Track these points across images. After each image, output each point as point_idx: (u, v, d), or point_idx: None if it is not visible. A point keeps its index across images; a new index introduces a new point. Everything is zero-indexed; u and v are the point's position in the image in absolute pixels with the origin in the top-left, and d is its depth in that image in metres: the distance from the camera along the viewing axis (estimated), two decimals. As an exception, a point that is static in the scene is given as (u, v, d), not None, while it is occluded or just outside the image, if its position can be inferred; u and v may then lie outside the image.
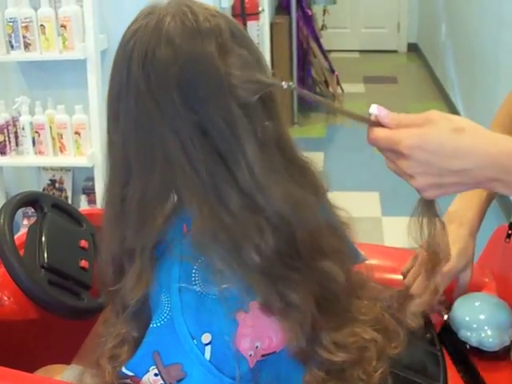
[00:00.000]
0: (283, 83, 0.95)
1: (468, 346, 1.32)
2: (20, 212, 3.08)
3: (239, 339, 0.92)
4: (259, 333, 0.95)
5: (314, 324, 0.97)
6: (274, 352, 0.97)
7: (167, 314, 0.92)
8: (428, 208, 1.01)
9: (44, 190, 3.29)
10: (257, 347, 0.94)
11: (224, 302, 0.91)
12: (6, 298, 1.41)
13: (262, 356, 0.96)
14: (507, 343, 1.31)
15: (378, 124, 0.94)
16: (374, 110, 0.95)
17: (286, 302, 0.94)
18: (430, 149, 0.88)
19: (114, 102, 0.97)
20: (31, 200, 1.45)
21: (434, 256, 1.11)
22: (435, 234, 1.03)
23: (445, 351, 1.34)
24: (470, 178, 0.90)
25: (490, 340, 1.30)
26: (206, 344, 0.91)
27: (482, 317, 1.34)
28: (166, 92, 0.91)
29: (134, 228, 0.96)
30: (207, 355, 0.91)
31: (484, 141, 0.90)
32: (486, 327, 1.31)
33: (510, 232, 1.42)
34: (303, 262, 0.97)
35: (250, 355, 0.94)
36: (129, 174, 0.96)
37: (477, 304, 1.37)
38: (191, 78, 0.91)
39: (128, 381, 0.97)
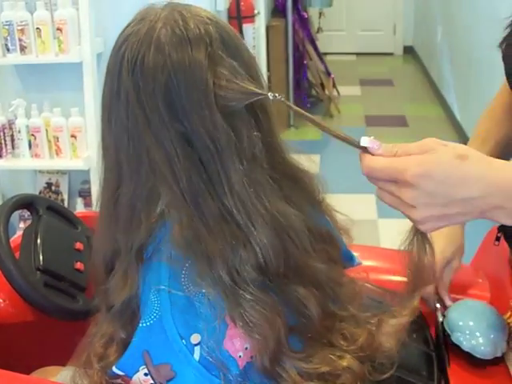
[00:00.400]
0: (270, 94, 0.94)
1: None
2: (16, 215, 3.09)
3: (228, 340, 0.93)
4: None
5: (278, 349, 0.95)
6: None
7: (156, 314, 0.92)
8: (421, 238, 0.96)
9: (40, 192, 3.29)
10: (246, 348, 0.95)
11: (213, 303, 0.92)
12: (1, 300, 1.41)
13: (251, 357, 0.96)
14: (499, 355, 1.32)
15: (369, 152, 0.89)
16: (366, 142, 0.90)
17: (248, 321, 0.93)
18: (438, 178, 0.83)
19: (106, 107, 0.98)
20: (26, 203, 1.46)
21: (417, 279, 1.05)
22: (423, 259, 0.98)
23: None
24: (474, 206, 0.85)
25: (482, 348, 1.31)
26: (195, 344, 0.91)
27: (472, 324, 1.34)
28: (153, 100, 0.91)
29: (122, 229, 0.97)
30: (196, 356, 0.91)
31: (489, 167, 0.86)
32: (478, 335, 1.32)
33: (498, 235, 1.43)
34: (278, 284, 0.96)
35: (240, 356, 0.94)
36: (120, 178, 0.97)
37: (471, 311, 1.38)
38: (178, 87, 0.91)
39: (119, 381, 0.98)
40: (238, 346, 0.94)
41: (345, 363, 1.01)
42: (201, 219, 0.92)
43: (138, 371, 0.94)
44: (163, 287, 0.93)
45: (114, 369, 0.96)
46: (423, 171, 0.83)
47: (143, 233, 0.95)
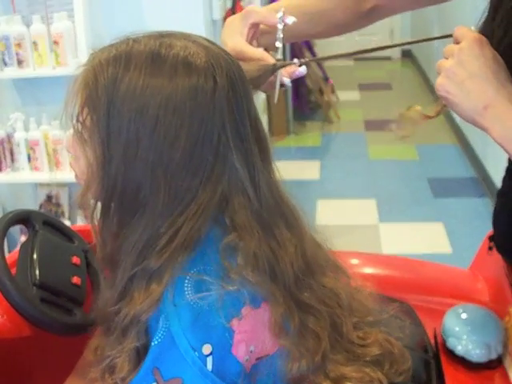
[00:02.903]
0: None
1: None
2: (17, 228, 3.09)
3: (235, 346, 0.93)
4: (253, 337, 0.95)
5: (325, 354, 0.99)
6: (268, 355, 0.98)
7: (166, 329, 0.91)
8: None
9: (41, 205, 3.29)
10: (251, 351, 0.95)
11: (218, 311, 0.91)
12: (-1, 316, 1.41)
13: (257, 359, 0.96)
14: (494, 357, 1.32)
15: None
16: None
17: (303, 325, 0.96)
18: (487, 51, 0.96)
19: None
20: (22, 218, 1.45)
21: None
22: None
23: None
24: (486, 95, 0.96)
25: (477, 351, 1.31)
26: (208, 355, 0.91)
27: (470, 329, 1.34)
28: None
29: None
30: (209, 366, 0.91)
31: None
32: (474, 339, 1.32)
33: (490, 245, 1.43)
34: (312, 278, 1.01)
35: (247, 360, 0.95)
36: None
37: (469, 316, 1.38)
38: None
39: None
40: (244, 350, 0.94)
41: (375, 375, 1.04)
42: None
43: None
44: (169, 302, 0.92)
45: None
46: (478, 38, 0.97)
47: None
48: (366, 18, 1.39)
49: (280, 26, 1.10)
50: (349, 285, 1.12)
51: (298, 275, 0.99)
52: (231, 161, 0.94)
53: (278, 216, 0.99)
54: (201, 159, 0.92)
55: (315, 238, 1.08)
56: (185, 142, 0.91)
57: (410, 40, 1.21)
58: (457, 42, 0.98)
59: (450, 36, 1.01)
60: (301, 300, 0.99)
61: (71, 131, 0.98)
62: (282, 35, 1.10)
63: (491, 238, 1.42)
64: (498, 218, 1.34)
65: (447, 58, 0.98)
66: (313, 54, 5.79)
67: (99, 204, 0.99)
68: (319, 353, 0.98)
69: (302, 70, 1.08)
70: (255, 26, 1.17)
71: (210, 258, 0.94)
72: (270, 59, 1.08)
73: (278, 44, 1.08)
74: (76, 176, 1.04)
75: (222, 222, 0.96)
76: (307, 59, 1.10)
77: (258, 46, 1.19)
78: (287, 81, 1.07)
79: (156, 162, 0.91)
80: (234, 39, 1.13)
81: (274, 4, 1.27)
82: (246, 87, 0.98)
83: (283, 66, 1.07)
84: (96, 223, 1.00)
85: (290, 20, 1.11)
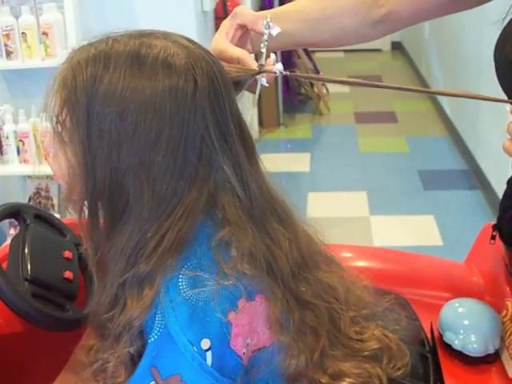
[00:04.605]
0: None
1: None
2: (6, 222, 3.07)
3: (234, 340, 0.92)
4: (249, 330, 0.95)
5: (323, 351, 0.99)
6: (264, 347, 0.98)
7: (162, 326, 0.90)
8: None
9: (30, 198, 3.27)
10: (248, 344, 0.95)
11: (214, 306, 0.91)
12: (-10, 311, 1.40)
13: (253, 352, 0.96)
14: (491, 351, 1.31)
15: None
16: None
17: (301, 321, 0.97)
18: None
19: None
20: (13, 212, 1.44)
21: None
22: None
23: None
24: None
25: (475, 346, 1.30)
26: (207, 350, 0.90)
27: (467, 323, 1.34)
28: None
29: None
30: (209, 361, 0.90)
31: None
32: (471, 333, 1.31)
33: (493, 234, 1.42)
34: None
35: (244, 353, 0.94)
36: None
37: (465, 310, 1.37)
38: None
39: None
40: (241, 343, 0.93)
41: (374, 371, 1.04)
42: None
43: None
44: (164, 299, 0.91)
45: None
46: None
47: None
48: (377, 28, 1.30)
49: (265, 34, 1.07)
50: (344, 278, 1.12)
51: (294, 270, 0.99)
52: (217, 162, 0.93)
53: (269, 213, 0.99)
54: (184, 162, 0.91)
55: (308, 231, 1.08)
56: (166, 145, 0.90)
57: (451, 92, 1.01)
58: None
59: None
60: (299, 295, 0.99)
61: (51, 130, 0.96)
62: (266, 42, 1.07)
63: (494, 227, 1.41)
64: (506, 204, 1.34)
65: None
66: (306, 52, 5.78)
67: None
68: (318, 349, 0.98)
69: (279, 67, 1.05)
70: (242, 27, 1.14)
71: (202, 254, 0.94)
72: (249, 60, 1.06)
73: (263, 49, 1.06)
74: (54, 174, 1.02)
75: (213, 217, 0.96)
76: (288, 72, 1.06)
77: (253, 48, 1.17)
78: (265, 81, 1.04)
79: (138, 165, 0.90)
80: (218, 38, 1.11)
81: (276, 9, 1.24)
82: (227, 87, 0.97)
83: (264, 72, 1.04)
84: (85, 224, 0.99)
85: (275, 31, 1.08)
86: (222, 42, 1.11)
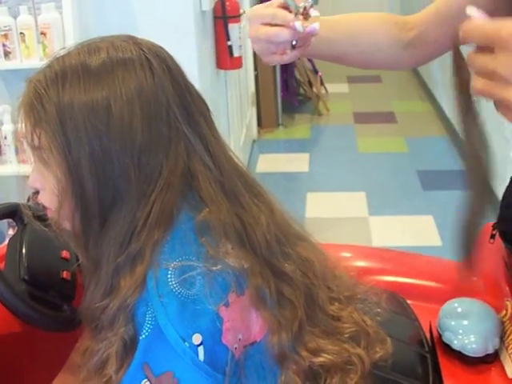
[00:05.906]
0: None
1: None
2: (5, 222, 3.06)
3: (225, 334, 0.93)
4: (239, 324, 0.96)
5: (302, 324, 1.00)
6: (255, 342, 0.98)
7: (152, 321, 0.91)
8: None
9: (29, 198, 3.26)
10: (239, 339, 0.95)
11: (205, 297, 0.91)
12: (-12, 311, 1.39)
13: (244, 347, 0.97)
14: (490, 351, 1.31)
15: None
16: (473, 12, 0.77)
17: (279, 294, 0.98)
18: None
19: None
20: (10, 212, 1.43)
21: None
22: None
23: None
24: None
25: (474, 346, 1.30)
26: (198, 345, 0.90)
27: (467, 323, 1.33)
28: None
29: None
30: (201, 356, 0.90)
31: None
32: (470, 333, 1.31)
33: (493, 233, 1.42)
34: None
35: (235, 348, 0.95)
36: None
37: (464, 310, 1.37)
38: None
39: None
40: (232, 337, 0.94)
41: (354, 351, 1.05)
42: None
43: None
44: (153, 294, 0.91)
45: None
46: None
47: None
48: (408, 51, 1.31)
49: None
50: (323, 255, 1.14)
51: (269, 241, 1.01)
52: (183, 131, 0.99)
53: (240, 184, 1.03)
54: (158, 134, 0.97)
55: (281, 207, 1.11)
56: (141, 124, 0.95)
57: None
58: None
59: None
60: (275, 267, 1.01)
61: (32, 166, 1.06)
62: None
63: (494, 226, 1.40)
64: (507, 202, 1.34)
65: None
66: (312, 63, 5.79)
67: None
68: (296, 321, 1.00)
69: (316, 26, 1.06)
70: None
71: (187, 240, 0.96)
72: (283, 13, 1.07)
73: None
74: (47, 210, 1.08)
75: (191, 201, 0.99)
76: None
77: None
78: (317, 25, 1.06)
79: (120, 149, 0.95)
80: (254, 8, 1.13)
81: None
82: (177, 65, 1.04)
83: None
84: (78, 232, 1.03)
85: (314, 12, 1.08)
86: (257, 8, 1.12)
